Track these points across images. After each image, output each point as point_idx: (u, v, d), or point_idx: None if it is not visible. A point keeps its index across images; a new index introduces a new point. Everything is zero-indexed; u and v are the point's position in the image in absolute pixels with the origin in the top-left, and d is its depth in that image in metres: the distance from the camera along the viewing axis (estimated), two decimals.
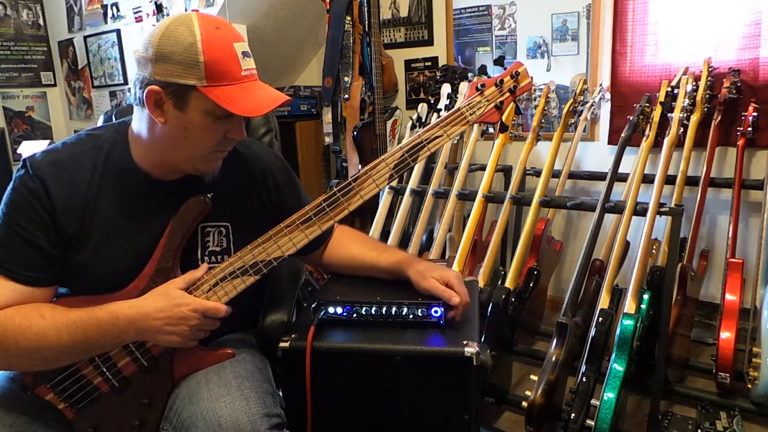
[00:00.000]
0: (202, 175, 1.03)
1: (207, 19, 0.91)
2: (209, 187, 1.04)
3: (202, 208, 1.01)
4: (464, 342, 1.00)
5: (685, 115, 1.99)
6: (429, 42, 2.95)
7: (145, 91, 0.91)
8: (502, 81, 1.06)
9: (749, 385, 1.73)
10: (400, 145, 1.03)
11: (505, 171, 2.65)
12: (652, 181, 1.83)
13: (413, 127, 2.60)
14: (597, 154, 2.56)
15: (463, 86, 2.52)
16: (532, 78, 1.13)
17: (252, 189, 1.14)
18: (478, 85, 1.06)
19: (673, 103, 2.01)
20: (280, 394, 1.07)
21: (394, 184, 2.35)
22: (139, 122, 0.98)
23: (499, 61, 2.49)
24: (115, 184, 1.00)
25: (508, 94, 1.06)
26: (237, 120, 0.97)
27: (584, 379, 1.59)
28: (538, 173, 2.30)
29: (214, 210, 1.04)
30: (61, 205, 0.96)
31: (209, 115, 0.93)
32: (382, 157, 1.03)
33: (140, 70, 0.93)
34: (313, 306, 1.09)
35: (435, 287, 1.07)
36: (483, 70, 2.65)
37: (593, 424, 1.52)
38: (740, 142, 2.07)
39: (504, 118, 1.07)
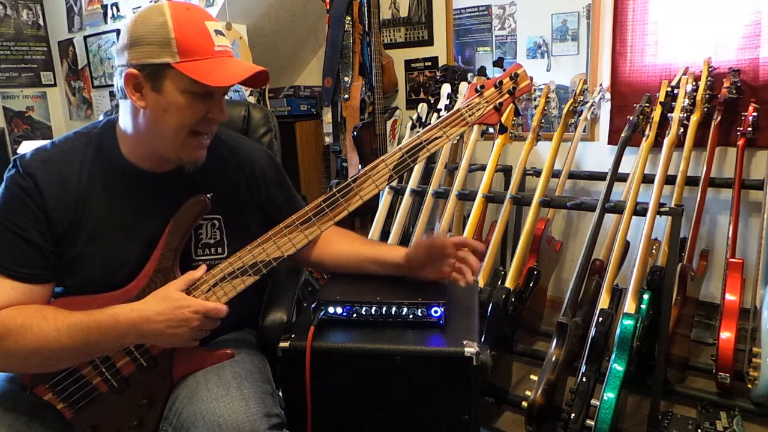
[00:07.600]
0: (185, 165, 1.00)
1: (178, 3, 0.93)
2: (201, 180, 1.04)
3: (202, 209, 1.01)
4: (464, 342, 1.01)
5: (685, 115, 1.99)
6: (429, 42, 2.95)
7: (123, 76, 0.92)
8: (501, 82, 1.06)
9: (749, 385, 1.73)
10: (399, 146, 1.04)
11: (505, 171, 2.64)
12: (652, 181, 1.83)
13: (413, 127, 2.60)
14: (597, 154, 2.56)
15: (463, 86, 2.52)
16: (531, 78, 1.13)
17: (243, 182, 1.14)
18: (478, 87, 1.06)
19: (673, 103, 2.01)
20: (280, 394, 1.07)
21: (394, 184, 2.35)
22: (124, 115, 0.99)
23: (498, 63, 2.48)
24: (105, 179, 1.00)
25: (507, 95, 1.06)
26: (216, 99, 0.96)
27: (584, 379, 1.59)
28: (538, 173, 2.29)
29: None
30: (53, 202, 0.96)
31: (186, 94, 0.92)
32: (382, 157, 1.03)
33: (119, 59, 0.94)
34: (313, 306, 1.09)
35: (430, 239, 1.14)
36: (482, 71, 2.65)
37: (593, 424, 1.52)
38: (740, 142, 2.07)
39: (503, 119, 1.07)
